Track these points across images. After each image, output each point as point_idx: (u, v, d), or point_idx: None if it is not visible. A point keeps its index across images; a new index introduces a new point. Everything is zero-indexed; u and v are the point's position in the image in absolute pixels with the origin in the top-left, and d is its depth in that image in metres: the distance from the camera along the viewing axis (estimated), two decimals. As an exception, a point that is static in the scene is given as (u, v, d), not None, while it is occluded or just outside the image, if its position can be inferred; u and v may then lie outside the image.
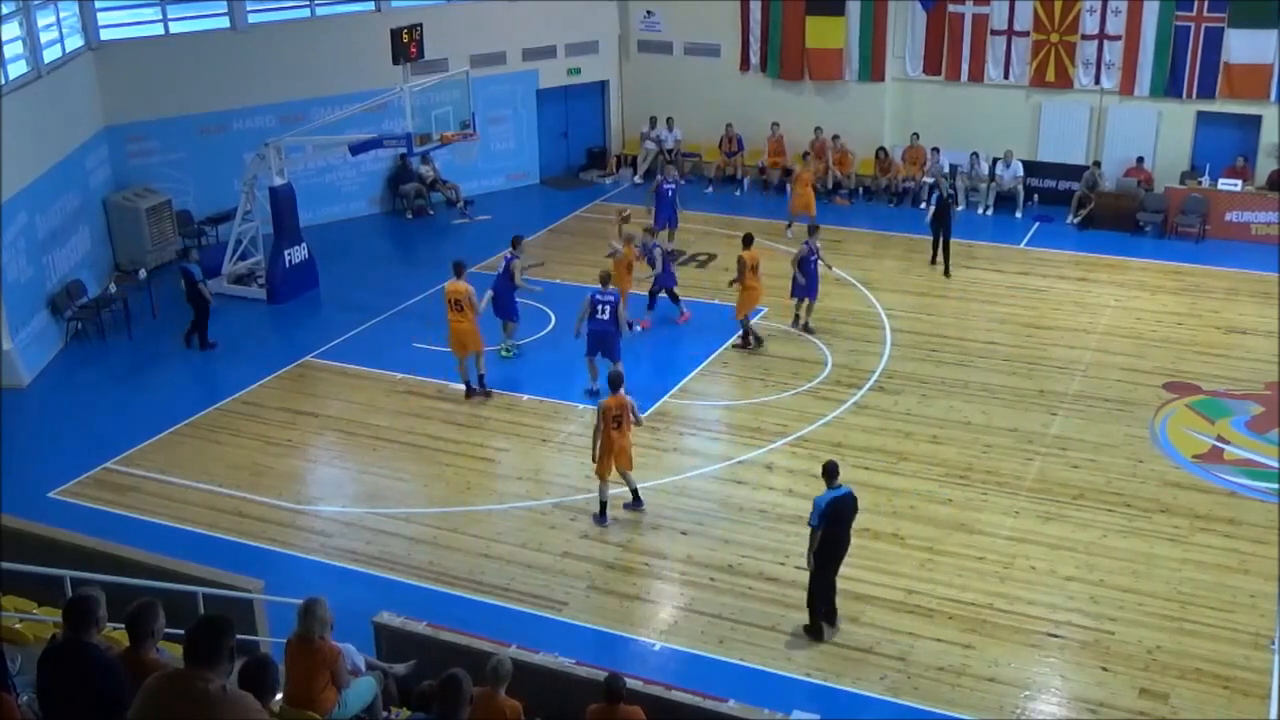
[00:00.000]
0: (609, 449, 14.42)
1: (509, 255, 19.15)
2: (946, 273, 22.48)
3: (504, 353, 19.31)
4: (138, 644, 7.14)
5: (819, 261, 19.76)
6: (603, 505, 14.74)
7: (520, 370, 18.98)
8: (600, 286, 17.72)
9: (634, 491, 14.92)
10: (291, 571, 13.65)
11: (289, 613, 9.77)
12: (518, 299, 19.23)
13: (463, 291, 17.64)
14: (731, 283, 19.60)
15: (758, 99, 28.50)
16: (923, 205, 26.38)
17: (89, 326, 20.51)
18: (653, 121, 28.88)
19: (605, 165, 29.89)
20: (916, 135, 27.04)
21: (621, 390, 14.58)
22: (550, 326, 20.25)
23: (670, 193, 23.46)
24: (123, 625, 7.40)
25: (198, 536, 14.51)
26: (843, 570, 13.45)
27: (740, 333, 19.63)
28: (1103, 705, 11.59)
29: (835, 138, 27.39)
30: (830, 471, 12.39)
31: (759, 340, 19.54)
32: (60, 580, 10.14)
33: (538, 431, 17.09)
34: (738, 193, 28.18)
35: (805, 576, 13.43)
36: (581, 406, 17.76)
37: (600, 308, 17.43)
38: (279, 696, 9.25)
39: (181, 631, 9.74)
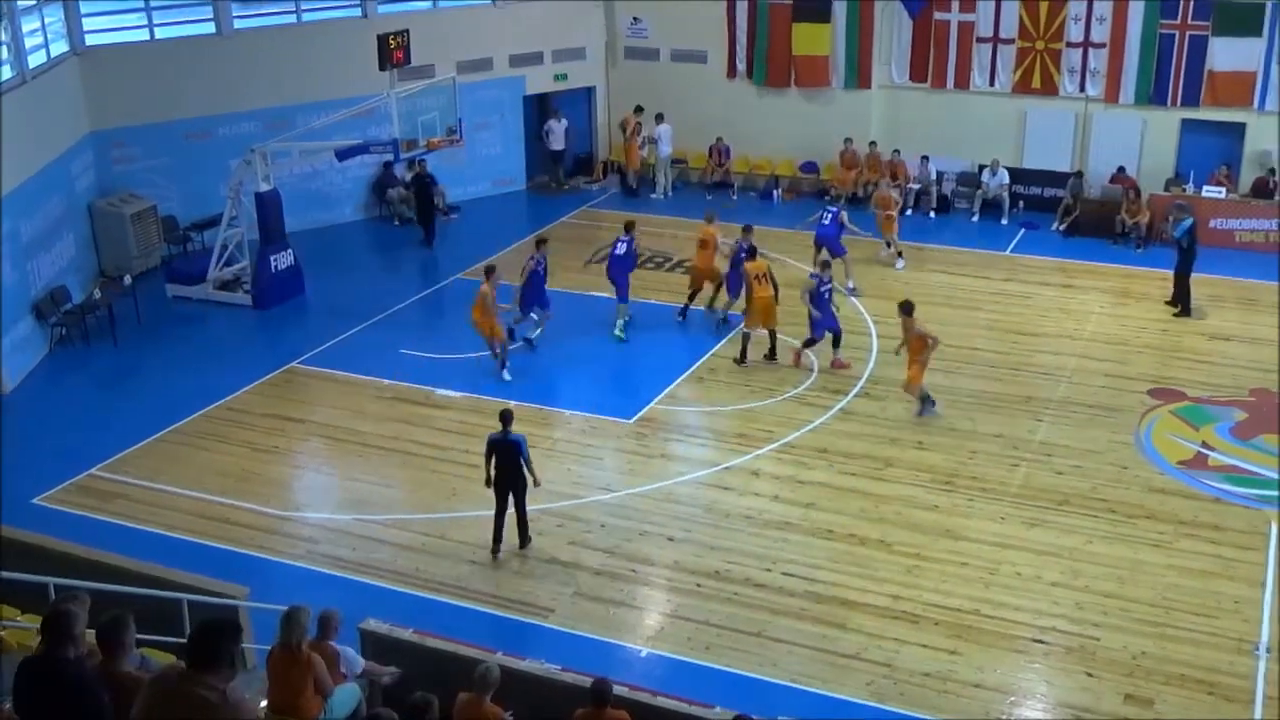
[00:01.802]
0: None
1: (538, 257, 19.54)
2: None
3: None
4: (110, 657, 7.02)
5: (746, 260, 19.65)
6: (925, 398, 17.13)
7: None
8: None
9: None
10: (277, 578, 13.61)
11: (275, 619, 9.76)
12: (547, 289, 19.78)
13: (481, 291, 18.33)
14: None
15: (745, 106, 28.57)
16: (908, 212, 26.58)
17: (73, 332, 20.43)
18: (637, 110, 28.64)
19: (592, 171, 29.91)
20: (874, 143, 27.18)
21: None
22: (537, 333, 20.21)
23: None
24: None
25: (183, 543, 14.44)
26: (828, 577, 13.55)
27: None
28: (1088, 711, 11.62)
29: (872, 144, 27.19)
30: None
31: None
32: (44, 587, 10.10)
33: (525, 438, 17.03)
34: (734, 196, 28.23)
35: (790, 582, 13.53)
36: (568, 413, 17.80)
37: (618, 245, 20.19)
38: (264, 704, 9.26)
39: (169, 639, 9.81)
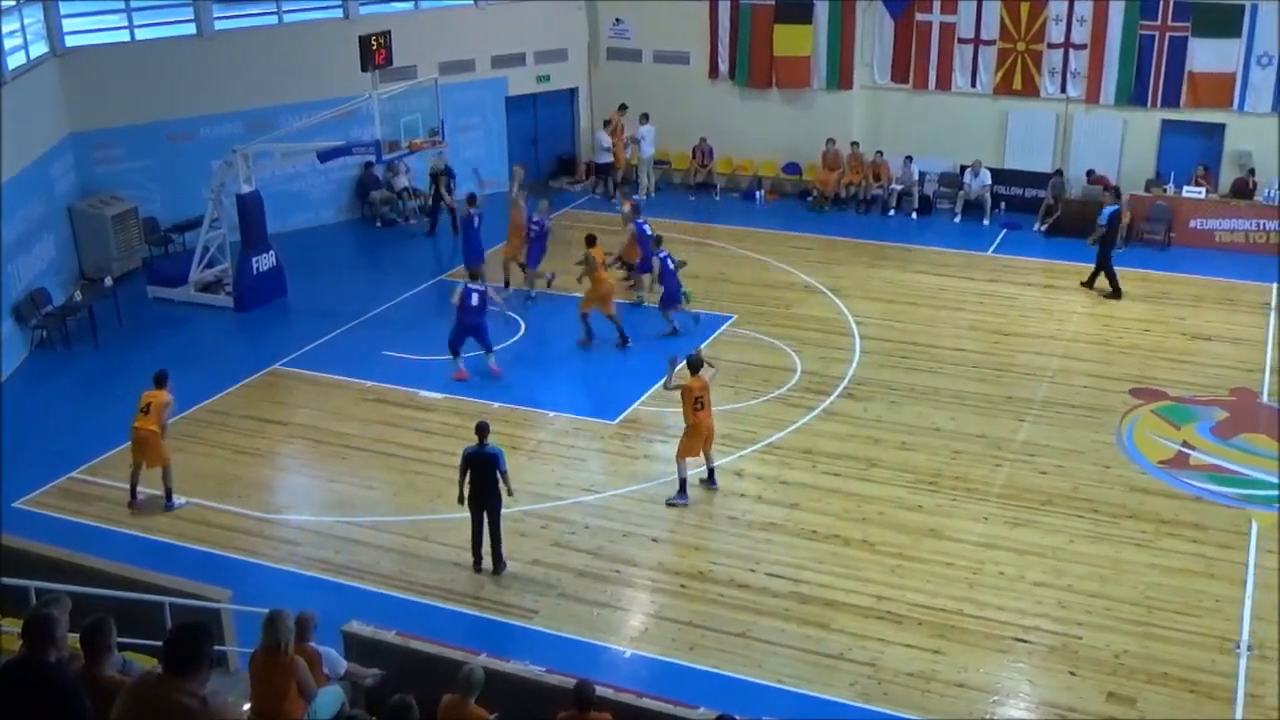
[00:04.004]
0: (696, 431, 15.10)
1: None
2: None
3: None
4: (93, 661, 6.97)
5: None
6: (683, 482, 15.23)
7: (490, 377, 18.90)
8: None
9: (710, 471, 15.58)
10: (260, 581, 13.57)
11: (257, 622, 9.72)
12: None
13: (160, 400, 15.27)
14: (581, 278, 20.41)
15: (727, 107, 28.59)
16: (891, 213, 26.68)
17: (54, 335, 20.32)
18: (621, 108, 28.62)
19: (575, 173, 29.89)
20: (856, 144, 27.29)
21: (703, 371, 15.31)
22: (520, 333, 20.19)
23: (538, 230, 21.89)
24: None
25: (165, 546, 14.39)
26: (812, 578, 13.57)
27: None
28: (1071, 710, 11.65)
29: (854, 144, 27.32)
30: None
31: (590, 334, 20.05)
32: (26, 591, 10.05)
33: (508, 439, 16.95)
34: (717, 197, 28.27)
35: (774, 583, 13.53)
36: (552, 414, 17.78)
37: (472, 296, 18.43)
38: (247, 707, 9.22)
39: (152, 642, 9.75)
